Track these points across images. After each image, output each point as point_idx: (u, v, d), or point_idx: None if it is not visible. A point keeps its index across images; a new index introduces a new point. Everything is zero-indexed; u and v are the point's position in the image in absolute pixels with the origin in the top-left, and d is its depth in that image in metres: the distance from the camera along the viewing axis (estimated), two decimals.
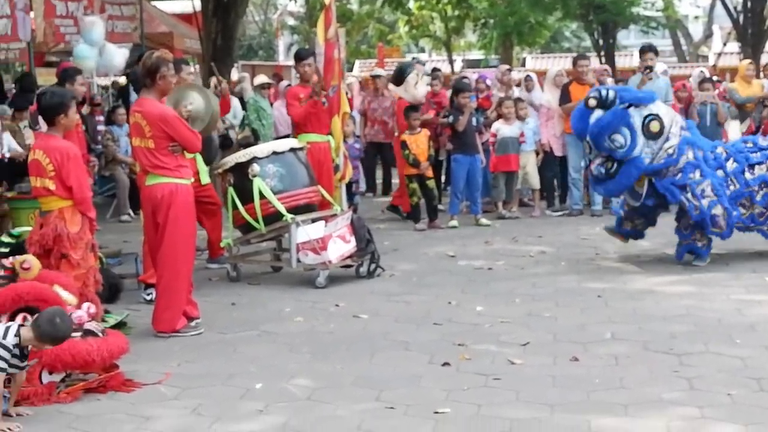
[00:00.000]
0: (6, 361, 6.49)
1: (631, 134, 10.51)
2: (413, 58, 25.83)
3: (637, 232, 11.51)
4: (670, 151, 10.63)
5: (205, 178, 10.82)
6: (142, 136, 8.64)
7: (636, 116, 10.59)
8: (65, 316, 6.74)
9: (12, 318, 7.05)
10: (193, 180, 9.00)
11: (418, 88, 14.59)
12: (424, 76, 16.55)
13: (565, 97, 14.76)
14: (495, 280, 10.61)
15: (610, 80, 16.22)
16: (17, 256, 7.64)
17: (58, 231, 8.01)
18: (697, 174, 10.62)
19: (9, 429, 6.40)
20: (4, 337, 6.48)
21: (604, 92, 10.67)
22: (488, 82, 16.49)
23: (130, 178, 15.67)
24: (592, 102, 10.64)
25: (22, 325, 6.60)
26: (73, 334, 7.07)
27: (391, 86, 14.43)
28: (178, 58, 11.28)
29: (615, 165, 10.65)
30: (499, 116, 15.04)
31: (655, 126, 10.59)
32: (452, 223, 14.14)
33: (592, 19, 35.97)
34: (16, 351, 6.49)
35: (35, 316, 6.67)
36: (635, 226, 11.44)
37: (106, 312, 8.67)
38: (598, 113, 10.64)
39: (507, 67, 17.89)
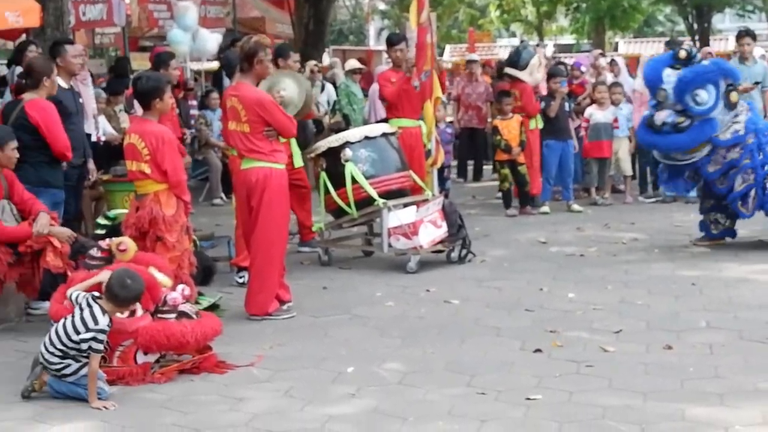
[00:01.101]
0: (102, 342, 6.62)
1: (716, 94, 10.48)
2: (521, 41, 25.64)
3: (727, 230, 11.35)
4: (738, 128, 10.58)
5: (299, 161, 10.88)
6: (238, 120, 8.71)
7: (722, 82, 10.56)
8: (133, 274, 6.90)
9: None
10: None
11: (540, 71, 14.43)
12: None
13: None
14: (587, 267, 10.53)
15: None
16: (114, 238, 7.75)
17: (154, 214, 8.11)
18: (753, 157, 10.60)
19: (105, 407, 6.52)
20: (96, 321, 6.60)
21: (694, 49, 10.78)
22: (583, 68, 16.35)
23: (223, 162, 15.81)
24: (683, 53, 10.68)
25: (96, 300, 6.72)
26: (168, 316, 7.19)
27: (509, 69, 14.28)
28: (285, 44, 11.33)
29: (688, 121, 10.56)
30: (593, 101, 14.91)
31: (734, 96, 10.61)
32: (543, 209, 14.06)
33: (687, 3, 35.53)
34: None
35: (106, 285, 6.78)
36: (721, 226, 11.30)
37: (200, 294, 8.74)
38: (669, 72, 10.68)
39: (599, 51, 17.74)
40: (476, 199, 15.68)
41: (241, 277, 9.97)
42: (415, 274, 10.32)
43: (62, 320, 6.71)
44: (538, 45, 19.15)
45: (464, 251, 10.91)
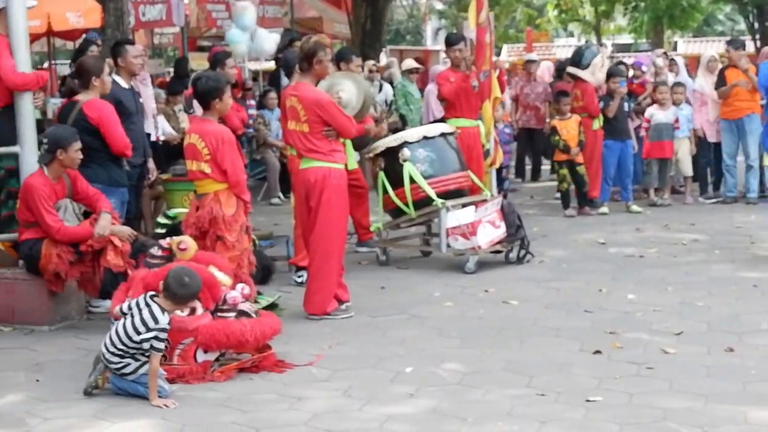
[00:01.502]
0: (164, 341, 6.67)
1: None
2: (586, 41, 25.51)
3: None
4: None
5: (352, 164, 10.89)
6: (297, 120, 8.74)
7: None
8: (190, 272, 6.93)
9: None
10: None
11: (602, 71, 14.33)
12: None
13: (720, 81, 14.43)
14: (646, 268, 10.46)
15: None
16: (174, 237, 7.80)
17: (214, 213, 8.14)
18: None
19: (165, 405, 6.56)
20: (156, 321, 6.65)
21: None
22: (644, 68, 16.23)
23: (281, 161, 15.86)
24: None
25: (153, 299, 6.77)
26: (228, 315, 7.22)
27: (571, 68, 14.21)
28: (348, 48, 11.36)
29: None
30: (654, 101, 14.80)
31: None
32: (602, 209, 13.97)
33: (747, 2, 35.13)
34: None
35: (164, 284, 6.81)
36: None
37: (259, 294, 8.78)
38: None
39: (662, 51, 17.62)
40: (534, 200, 15.64)
41: (299, 277, 10.00)
42: (473, 275, 10.30)
43: (122, 320, 6.75)
44: (601, 45, 19.00)
45: (523, 252, 10.87)
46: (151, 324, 6.63)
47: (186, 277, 6.83)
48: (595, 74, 13.97)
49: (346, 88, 9.41)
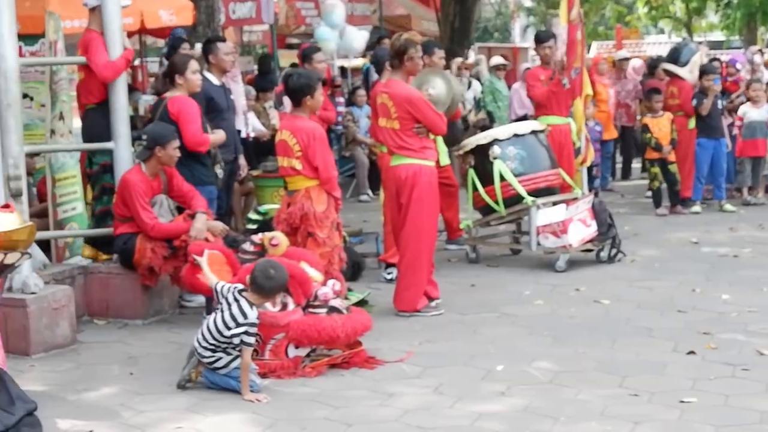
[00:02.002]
0: (254, 336, 6.71)
1: None
2: (683, 38, 25.21)
3: None
4: None
5: (445, 160, 10.86)
6: (388, 117, 8.74)
7: None
8: (276, 264, 6.97)
9: None
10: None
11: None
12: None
13: None
14: (741, 268, 10.29)
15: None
16: (266, 233, 7.83)
17: (305, 210, 8.16)
18: None
19: (257, 400, 6.59)
20: (245, 316, 6.69)
21: None
22: (738, 65, 15.99)
23: (370, 158, 15.90)
24: None
25: (242, 294, 6.81)
26: (319, 311, 7.24)
27: (668, 65, 14.05)
28: (431, 41, 11.32)
29: None
30: (747, 99, 14.57)
31: None
32: (695, 208, 13.79)
33: None
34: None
35: (250, 278, 6.85)
36: None
37: (348, 290, 8.79)
38: None
39: (757, 48, 17.33)
40: (625, 198, 15.48)
41: (389, 274, 10.01)
42: (564, 273, 10.23)
43: (213, 316, 6.81)
44: (700, 43, 18.72)
45: (614, 250, 10.76)
46: (240, 319, 6.68)
47: (272, 269, 6.86)
48: (693, 72, 13.77)
49: (436, 85, 9.39)
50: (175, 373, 7.02)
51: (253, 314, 6.72)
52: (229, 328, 6.67)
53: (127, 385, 7.05)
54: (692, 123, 13.73)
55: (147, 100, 13.11)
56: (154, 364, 7.54)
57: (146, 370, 7.37)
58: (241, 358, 6.68)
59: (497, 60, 17.90)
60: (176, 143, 8.46)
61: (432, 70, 10.15)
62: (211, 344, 6.73)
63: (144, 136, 8.45)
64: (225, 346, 6.71)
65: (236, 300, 6.79)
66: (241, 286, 6.90)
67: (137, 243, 8.48)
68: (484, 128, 12.36)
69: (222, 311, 6.78)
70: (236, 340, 6.66)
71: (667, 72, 14.15)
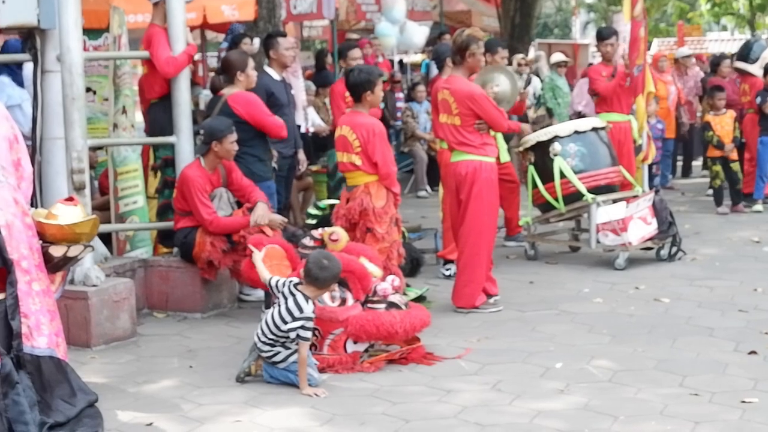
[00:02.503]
0: (310, 330, 6.73)
1: None
2: (753, 35, 24.85)
3: None
4: None
5: (505, 156, 10.83)
6: (449, 113, 8.73)
7: None
8: (329, 255, 6.99)
9: None
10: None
11: None
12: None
13: None
14: None
15: None
16: (326, 228, 7.85)
17: (364, 205, 8.18)
18: None
19: (315, 394, 6.61)
20: (301, 310, 6.72)
21: None
22: None
23: (428, 154, 15.89)
24: None
25: (297, 287, 6.84)
26: (378, 306, 7.24)
27: (739, 63, 13.92)
28: (494, 39, 11.29)
29: None
30: None
31: None
32: (757, 207, 13.65)
33: None
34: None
35: (304, 270, 6.88)
36: None
37: (407, 286, 8.80)
38: None
39: None
40: (685, 196, 15.35)
41: (447, 270, 10.00)
42: (623, 271, 10.16)
43: (271, 310, 6.84)
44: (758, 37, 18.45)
45: (674, 249, 10.68)
46: (296, 313, 6.70)
47: (325, 260, 6.88)
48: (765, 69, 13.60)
49: (501, 83, 9.36)
50: (233, 367, 7.07)
51: (308, 308, 6.75)
52: (285, 323, 6.70)
53: (186, 378, 7.09)
54: None
55: (207, 94, 13.16)
56: (213, 357, 7.58)
57: (205, 364, 7.41)
58: (298, 353, 6.71)
59: (558, 57, 17.80)
60: (233, 137, 8.50)
61: (496, 66, 10.14)
62: (269, 339, 6.76)
63: (201, 131, 8.49)
64: (283, 340, 6.74)
65: (292, 294, 6.82)
66: (296, 280, 6.92)
67: (197, 237, 8.54)
68: (544, 125, 12.25)
69: (279, 305, 6.81)
70: (293, 335, 6.68)
71: (738, 69, 13.99)
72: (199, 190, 8.40)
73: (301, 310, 6.73)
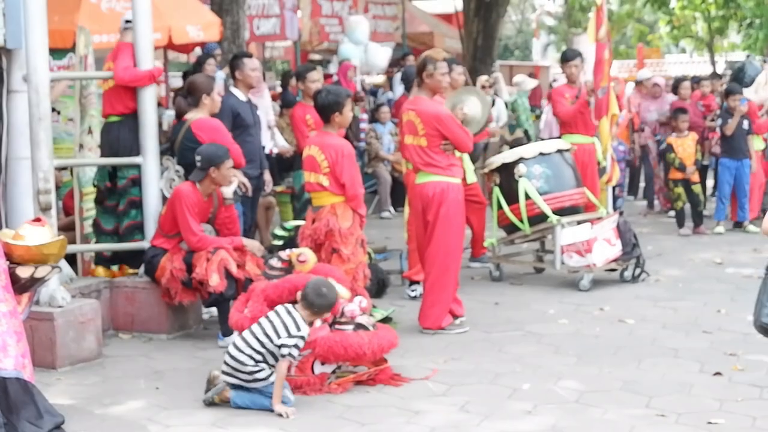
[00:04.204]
0: (299, 350, 6.75)
1: None
2: (748, 55, 25.00)
3: None
4: None
5: (471, 177, 10.86)
6: (415, 134, 8.75)
7: None
8: (327, 283, 7.01)
9: None
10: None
11: (766, 88, 14.07)
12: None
13: None
14: None
15: None
16: (294, 249, 7.84)
17: (330, 226, 8.17)
18: None
19: (287, 414, 6.60)
20: (298, 328, 6.73)
21: None
22: None
23: (392, 175, 15.92)
24: None
25: (294, 306, 6.85)
26: (345, 327, 7.24)
27: (733, 86, 14.02)
28: (451, 58, 11.34)
29: None
30: None
31: None
32: (718, 229, 13.76)
33: None
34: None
35: (302, 294, 6.89)
36: None
37: (373, 307, 8.79)
38: None
39: None
40: (647, 218, 15.43)
41: (413, 291, 10.02)
42: (588, 292, 10.21)
43: (257, 325, 6.82)
44: (765, 61, 18.54)
45: (638, 270, 10.74)
46: (292, 330, 6.73)
47: (324, 288, 6.92)
48: (758, 92, 13.71)
49: (471, 105, 9.41)
50: (200, 389, 7.04)
51: (305, 329, 6.79)
52: (279, 336, 6.71)
53: (153, 399, 7.06)
54: (757, 144, 13.71)
55: (171, 115, 13.15)
56: (179, 378, 7.55)
57: (172, 385, 7.38)
58: (277, 371, 6.70)
59: (524, 79, 17.92)
60: (230, 163, 8.49)
61: (468, 89, 10.19)
62: (258, 352, 6.72)
63: (198, 157, 8.44)
64: (270, 355, 6.72)
65: (289, 312, 6.82)
66: (287, 305, 6.93)
67: (162, 260, 8.50)
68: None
69: (271, 321, 6.79)
70: (284, 351, 6.67)
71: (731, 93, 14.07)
72: (190, 206, 8.34)
73: (298, 328, 6.75)
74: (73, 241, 8.99)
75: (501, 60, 36.27)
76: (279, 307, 6.87)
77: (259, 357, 6.72)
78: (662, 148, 14.59)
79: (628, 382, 7.23)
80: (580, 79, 11.83)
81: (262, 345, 6.71)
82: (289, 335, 6.68)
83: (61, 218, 9.73)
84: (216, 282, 8.15)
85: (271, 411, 6.66)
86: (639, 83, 17.07)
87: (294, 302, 6.96)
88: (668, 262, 11.77)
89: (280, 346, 6.67)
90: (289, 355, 6.67)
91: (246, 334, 6.80)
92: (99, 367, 7.90)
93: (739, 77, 13.80)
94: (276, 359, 6.71)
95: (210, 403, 6.86)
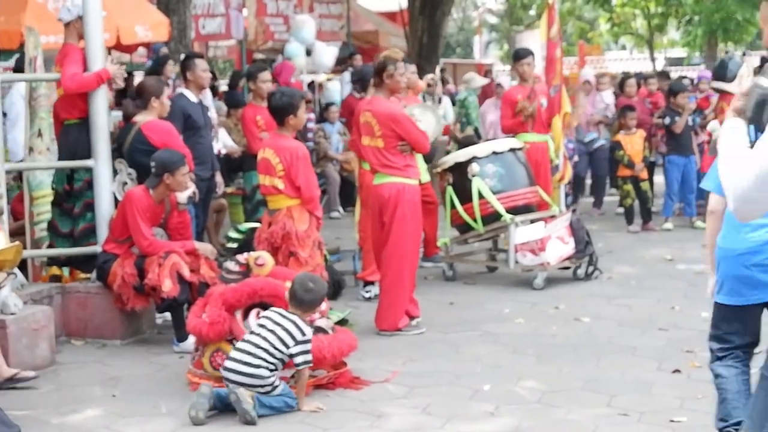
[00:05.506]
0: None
1: None
2: (726, 52, 25.09)
3: None
4: None
5: (425, 177, 10.83)
6: (372, 135, 8.71)
7: None
8: (314, 277, 7.05)
9: (246, 313, 7.20)
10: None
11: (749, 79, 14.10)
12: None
13: None
14: None
15: None
16: (251, 252, 7.76)
17: (287, 229, 8.10)
18: None
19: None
20: (303, 333, 6.71)
21: None
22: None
23: (341, 174, 15.86)
24: None
25: (288, 311, 6.81)
26: None
27: (716, 83, 14.07)
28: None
29: None
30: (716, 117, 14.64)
31: None
32: (666, 225, 13.85)
33: None
34: None
35: (290, 293, 6.84)
36: None
37: (330, 309, 8.73)
38: None
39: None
40: (594, 215, 15.48)
41: (367, 292, 9.98)
42: (542, 291, 10.22)
43: (257, 336, 6.74)
44: (744, 54, 18.63)
45: (591, 268, 10.77)
46: (298, 336, 6.70)
47: (310, 282, 6.90)
48: (741, 84, 13.73)
49: (426, 120, 9.41)
50: (157, 395, 6.97)
51: (309, 331, 6.78)
52: (288, 346, 6.67)
53: (110, 407, 6.95)
54: None
55: (117, 116, 13.00)
56: (135, 385, 7.45)
57: (128, 392, 7.28)
58: (300, 378, 6.76)
59: (474, 77, 17.93)
60: (185, 169, 8.38)
61: (424, 105, 10.20)
62: (272, 363, 6.66)
63: (152, 163, 8.32)
64: (281, 362, 6.71)
65: (288, 318, 6.76)
66: (278, 309, 6.86)
67: (113, 266, 8.38)
68: (471, 145, 12.21)
69: (270, 330, 6.72)
70: (299, 360, 6.67)
71: (715, 90, 14.12)
72: (141, 210, 8.22)
73: (302, 333, 6.71)
74: (23, 247, 8.83)
75: (444, 58, 36.38)
76: (272, 314, 6.80)
77: (272, 367, 6.68)
78: (610, 146, 14.65)
79: (589, 381, 7.24)
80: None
81: (273, 356, 6.66)
82: (296, 342, 6.64)
83: (9, 223, 9.58)
84: (169, 287, 8.05)
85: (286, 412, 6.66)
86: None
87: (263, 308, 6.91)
88: (619, 260, 11.83)
89: (292, 356, 6.65)
90: (305, 363, 6.67)
91: (249, 347, 6.69)
92: (53, 374, 7.76)
93: (721, 73, 13.85)
94: (283, 365, 6.71)
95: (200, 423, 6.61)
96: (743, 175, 3.21)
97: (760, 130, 3.37)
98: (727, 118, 3.55)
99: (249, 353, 6.67)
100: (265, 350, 6.64)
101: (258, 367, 6.64)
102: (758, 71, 14.84)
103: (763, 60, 16.27)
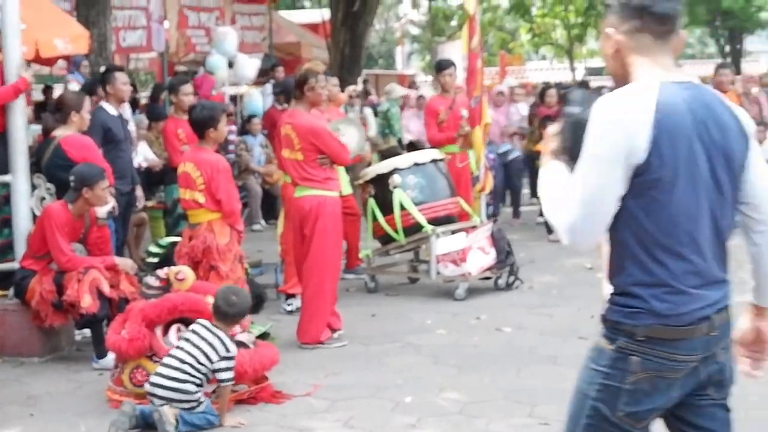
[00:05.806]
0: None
1: None
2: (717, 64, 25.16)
3: None
4: None
5: (347, 189, 10.84)
6: (292, 148, 8.70)
7: None
8: (237, 290, 7.04)
9: (166, 329, 7.15)
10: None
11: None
12: None
13: None
14: None
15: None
16: (172, 267, 7.71)
17: (207, 243, 8.06)
18: None
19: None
20: (227, 349, 6.68)
21: None
22: None
23: (262, 187, 15.81)
24: None
25: (214, 325, 6.79)
26: None
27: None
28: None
29: None
30: None
31: None
32: None
33: (719, 25, 35.38)
34: None
35: (213, 307, 6.82)
36: None
37: (251, 323, 8.69)
38: None
39: None
40: (515, 225, 15.58)
41: (289, 305, 9.95)
42: (463, 302, 10.26)
43: (180, 350, 6.72)
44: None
45: (512, 278, 10.84)
46: (221, 351, 6.67)
47: (233, 295, 6.87)
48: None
49: (350, 136, 9.42)
50: (77, 414, 6.91)
51: (233, 348, 6.74)
52: (211, 361, 6.64)
53: (28, 427, 6.86)
54: None
55: (36, 129, 12.85)
56: (54, 403, 7.35)
57: (47, 411, 7.18)
58: (222, 395, 6.72)
59: (396, 88, 17.98)
60: (105, 183, 8.29)
61: (348, 120, 10.19)
62: (197, 377, 6.62)
63: (72, 177, 8.22)
64: (205, 377, 6.66)
65: (212, 332, 6.72)
66: (204, 321, 6.80)
67: (31, 282, 8.28)
68: (394, 156, 12.23)
69: (194, 345, 6.68)
70: (223, 376, 6.65)
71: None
72: (59, 225, 8.12)
73: (226, 348, 6.68)
74: None
75: (366, 69, 36.44)
76: (197, 327, 6.76)
77: (198, 381, 6.65)
78: (530, 156, 14.75)
79: (510, 391, 7.28)
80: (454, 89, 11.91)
81: (198, 371, 6.62)
82: (221, 357, 6.61)
83: None
84: (88, 303, 7.96)
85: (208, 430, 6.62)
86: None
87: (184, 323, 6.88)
88: (540, 269, 11.91)
89: (216, 370, 6.62)
90: (228, 380, 6.64)
91: (175, 362, 6.65)
92: None
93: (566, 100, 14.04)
94: (208, 379, 6.67)
95: None
96: (569, 212, 3.43)
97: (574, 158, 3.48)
98: (543, 163, 3.65)
99: (175, 368, 6.63)
100: (191, 365, 6.61)
101: (185, 382, 6.61)
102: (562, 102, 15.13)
103: (562, 88, 16.51)
